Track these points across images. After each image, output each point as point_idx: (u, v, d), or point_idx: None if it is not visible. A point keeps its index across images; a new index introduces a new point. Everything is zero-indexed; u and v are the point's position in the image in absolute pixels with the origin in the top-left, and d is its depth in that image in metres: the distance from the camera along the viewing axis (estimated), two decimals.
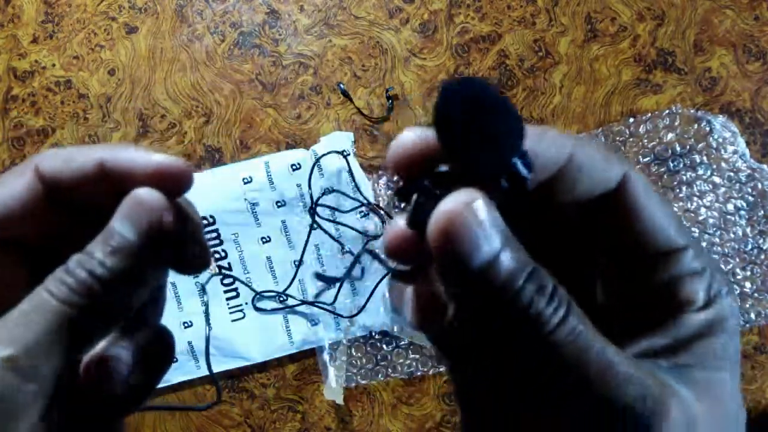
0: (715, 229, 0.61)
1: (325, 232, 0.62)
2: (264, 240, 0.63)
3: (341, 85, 0.64)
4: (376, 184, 0.63)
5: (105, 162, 0.20)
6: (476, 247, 0.16)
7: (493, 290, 0.16)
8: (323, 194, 0.63)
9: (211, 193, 0.64)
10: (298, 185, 0.63)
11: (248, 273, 0.63)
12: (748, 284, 0.60)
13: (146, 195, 0.19)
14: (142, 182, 0.20)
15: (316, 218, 0.62)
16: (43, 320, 0.18)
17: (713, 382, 0.19)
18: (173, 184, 0.20)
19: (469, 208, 0.16)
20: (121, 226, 0.19)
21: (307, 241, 0.62)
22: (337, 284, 0.61)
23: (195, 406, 0.62)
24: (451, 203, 0.16)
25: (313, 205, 0.62)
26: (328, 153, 0.62)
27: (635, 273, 0.20)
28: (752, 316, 0.60)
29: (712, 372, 0.19)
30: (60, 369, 0.18)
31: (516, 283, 0.16)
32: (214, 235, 0.64)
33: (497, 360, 0.18)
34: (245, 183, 0.63)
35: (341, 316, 0.61)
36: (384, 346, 0.62)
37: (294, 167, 0.63)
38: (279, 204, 0.63)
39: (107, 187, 0.20)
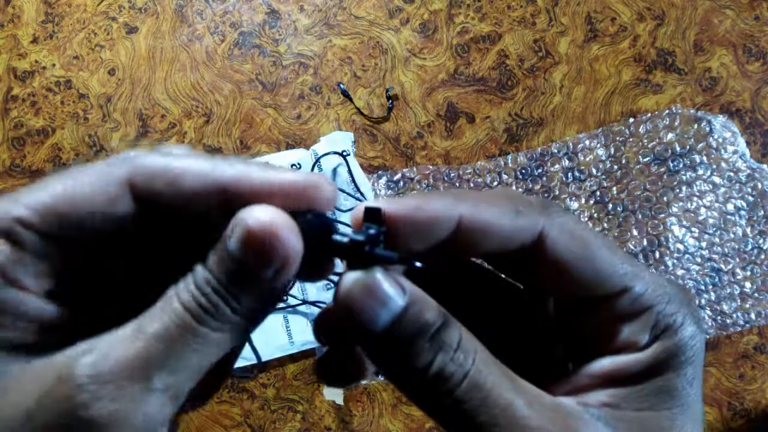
0: (715, 229, 0.61)
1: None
2: None
3: (341, 85, 0.64)
4: (375, 184, 0.63)
5: (229, 189, 0.18)
6: (372, 316, 0.18)
7: (396, 352, 0.18)
8: None
9: None
10: None
11: None
12: (748, 284, 0.60)
13: (266, 221, 0.17)
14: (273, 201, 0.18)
15: None
16: (180, 336, 0.17)
17: (647, 423, 0.19)
18: (311, 202, 0.19)
19: (359, 284, 0.18)
20: (240, 252, 0.17)
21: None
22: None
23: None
24: (346, 281, 0.18)
25: None
26: (328, 153, 0.62)
27: (573, 316, 0.21)
28: (752, 316, 0.60)
29: (649, 412, 0.19)
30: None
31: (417, 345, 0.18)
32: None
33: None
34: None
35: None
36: None
37: (294, 167, 0.63)
38: None
39: (220, 208, 0.18)
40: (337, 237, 0.19)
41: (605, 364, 0.20)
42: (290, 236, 0.17)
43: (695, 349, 0.20)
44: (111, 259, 0.20)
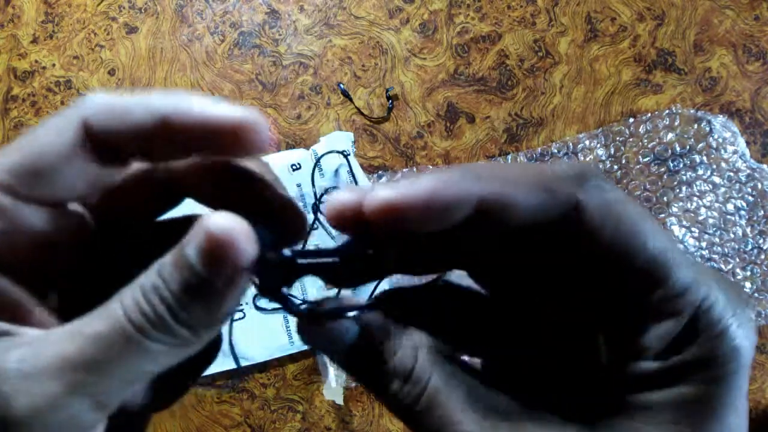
0: (715, 229, 0.61)
1: (327, 231, 0.62)
2: None
3: (341, 85, 0.64)
4: (375, 184, 0.63)
5: (168, 118, 0.17)
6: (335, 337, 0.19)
7: (360, 373, 0.19)
8: (324, 193, 0.63)
9: None
10: (299, 185, 0.63)
11: None
12: (748, 284, 0.60)
13: (227, 230, 0.16)
14: (209, 141, 0.18)
15: (319, 217, 0.62)
16: (117, 350, 0.16)
17: None
18: (246, 144, 0.18)
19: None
20: (197, 261, 0.16)
21: (305, 241, 0.62)
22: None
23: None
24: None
25: (317, 203, 0.62)
26: (329, 153, 0.62)
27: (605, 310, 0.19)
28: (752, 316, 0.60)
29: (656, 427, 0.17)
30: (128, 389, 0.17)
31: (373, 372, 0.19)
32: None
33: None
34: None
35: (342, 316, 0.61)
36: None
37: (294, 167, 0.63)
38: None
39: (167, 141, 0.18)
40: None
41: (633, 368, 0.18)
42: (249, 245, 0.16)
43: (745, 360, 0.17)
44: (81, 235, 0.20)
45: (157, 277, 0.17)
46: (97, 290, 0.19)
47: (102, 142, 0.18)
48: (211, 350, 0.22)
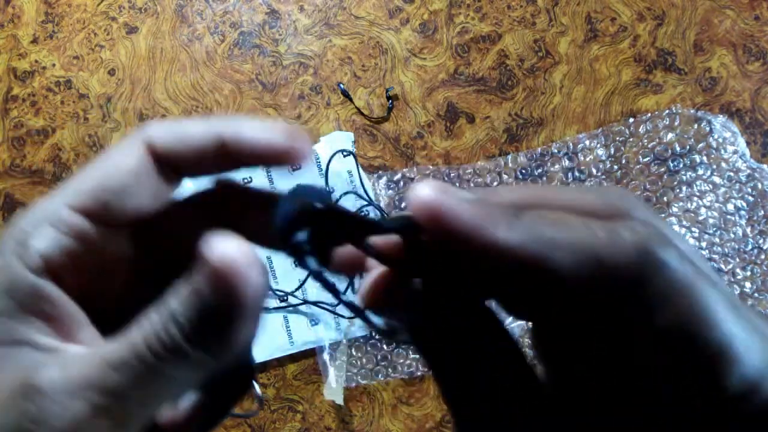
0: (715, 229, 0.61)
1: (280, 247, 0.62)
2: None
3: (341, 85, 0.64)
4: (375, 184, 0.63)
5: (225, 140, 0.19)
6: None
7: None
8: (342, 195, 0.62)
9: None
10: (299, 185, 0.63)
11: None
12: (748, 284, 0.60)
13: (233, 257, 0.16)
14: (263, 160, 0.19)
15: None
16: (136, 370, 0.17)
17: None
18: (293, 160, 0.19)
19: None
20: (208, 289, 0.16)
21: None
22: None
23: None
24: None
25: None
26: (337, 152, 0.62)
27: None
28: None
29: None
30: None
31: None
32: None
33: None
34: (245, 182, 0.63)
35: (342, 316, 0.61)
36: (384, 346, 0.62)
37: (294, 167, 0.63)
38: None
39: (224, 162, 0.20)
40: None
41: None
42: (255, 273, 0.16)
43: None
44: (142, 252, 0.21)
45: (173, 304, 0.17)
46: (139, 309, 0.19)
47: (165, 161, 0.19)
48: (244, 378, 0.22)
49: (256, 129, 0.19)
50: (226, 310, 0.16)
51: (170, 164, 0.20)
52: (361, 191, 0.63)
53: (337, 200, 0.62)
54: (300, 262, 0.18)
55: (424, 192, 0.16)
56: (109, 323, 0.20)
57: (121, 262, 0.20)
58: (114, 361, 0.17)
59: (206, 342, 0.17)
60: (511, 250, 0.15)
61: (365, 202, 0.62)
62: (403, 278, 0.19)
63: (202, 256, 0.16)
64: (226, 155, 0.19)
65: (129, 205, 0.19)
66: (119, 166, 0.19)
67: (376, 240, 0.19)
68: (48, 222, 0.18)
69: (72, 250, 0.18)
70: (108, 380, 0.16)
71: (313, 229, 0.18)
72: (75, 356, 0.18)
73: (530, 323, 0.20)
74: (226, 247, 0.16)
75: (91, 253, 0.19)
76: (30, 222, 0.18)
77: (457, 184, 0.63)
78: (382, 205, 0.63)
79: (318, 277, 0.18)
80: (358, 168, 0.63)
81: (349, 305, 0.19)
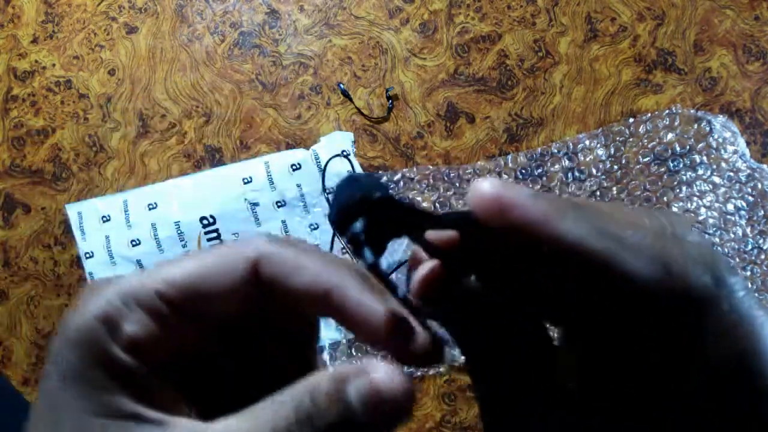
0: (715, 229, 0.61)
1: (339, 237, 0.62)
2: None
3: (341, 85, 0.64)
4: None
5: (331, 295, 0.19)
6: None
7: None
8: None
9: (211, 193, 0.64)
10: (299, 185, 0.63)
11: None
12: (748, 284, 0.60)
13: (390, 385, 0.17)
14: (361, 332, 0.19)
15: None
16: None
17: None
18: (392, 340, 0.19)
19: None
20: (358, 405, 0.17)
21: (332, 243, 0.63)
22: None
23: None
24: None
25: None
26: (333, 157, 0.62)
27: None
28: None
29: None
30: None
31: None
32: (214, 235, 0.64)
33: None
34: (245, 183, 0.63)
35: None
36: None
37: (294, 167, 0.63)
38: (279, 204, 0.63)
39: (314, 302, 0.19)
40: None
41: None
42: (409, 401, 0.17)
43: None
44: (229, 342, 0.21)
45: (311, 405, 0.17)
46: (226, 381, 0.20)
47: (265, 288, 0.19)
48: None
49: (364, 300, 0.18)
50: (371, 427, 0.17)
51: (268, 290, 0.19)
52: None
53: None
54: (356, 253, 0.18)
55: (488, 186, 0.16)
56: (203, 400, 0.20)
57: (202, 342, 0.20)
58: None
59: None
60: (577, 244, 0.16)
61: None
62: (455, 274, 0.19)
63: (359, 370, 0.17)
64: (327, 307, 0.19)
65: (216, 310, 0.19)
66: (220, 276, 0.19)
67: (431, 234, 0.19)
68: (139, 304, 0.18)
69: (156, 334, 0.18)
70: None
71: (369, 219, 0.18)
72: (197, 429, 0.18)
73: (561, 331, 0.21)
74: (388, 372, 0.17)
75: (173, 336, 0.19)
76: (119, 297, 0.18)
77: (457, 184, 0.63)
78: None
79: (373, 269, 0.18)
80: (353, 169, 0.63)
81: (404, 300, 0.19)
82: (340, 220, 0.18)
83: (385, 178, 0.63)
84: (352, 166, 0.62)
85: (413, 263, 0.20)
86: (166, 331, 0.19)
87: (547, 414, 0.18)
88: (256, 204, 0.63)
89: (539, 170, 0.62)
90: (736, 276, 0.16)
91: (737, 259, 0.60)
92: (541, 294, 0.19)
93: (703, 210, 0.61)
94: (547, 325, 0.20)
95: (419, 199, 0.63)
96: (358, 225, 0.18)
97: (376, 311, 0.18)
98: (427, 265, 0.19)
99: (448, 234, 0.19)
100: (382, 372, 0.17)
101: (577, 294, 0.18)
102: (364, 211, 0.18)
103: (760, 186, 0.60)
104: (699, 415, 0.16)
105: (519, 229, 0.16)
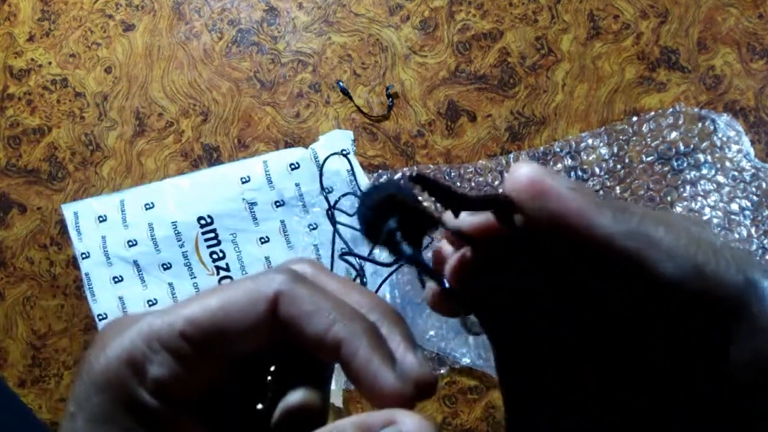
0: (719, 229, 0.60)
1: (339, 235, 0.62)
2: (262, 240, 0.63)
3: (341, 83, 0.64)
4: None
5: (342, 350, 0.18)
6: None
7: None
8: (338, 201, 0.61)
9: (208, 192, 0.63)
10: (297, 185, 0.62)
11: (246, 273, 0.63)
12: None
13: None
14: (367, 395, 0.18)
15: (331, 219, 0.62)
16: None
17: None
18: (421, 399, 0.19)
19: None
20: None
21: (333, 243, 0.62)
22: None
23: None
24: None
25: (330, 210, 0.61)
26: (331, 155, 0.62)
27: None
28: None
29: None
30: None
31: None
32: (212, 235, 0.63)
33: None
34: (243, 182, 0.63)
35: None
36: None
37: (293, 166, 0.62)
38: (278, 204, 0.62)
39: (321, 350, 0.19)
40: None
41: None
42: None
43: None
44: (246, 380, 0.21)
45: None
46: (230, 401, 0.20)
47: (283, 326, 0.19)
48: None
49: (378, 371, 0.18)
50: None
51: (286, 329, 0.19)
52: (357, 191, 0.62)
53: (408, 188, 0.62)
54: (394, 251, 0.18)
55: (528, 170, 0.16)
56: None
57: (219, 381, 0.20)
58: None
59: None
60: (610, 240, 0.16)
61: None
62: (488, 259, 0.19)
63: (387, 418, 0.17)
64: (335, 359, 0.19)
65: (236, 347, 0.19)
66: (242, 314, 0.19)
67: (466, 219, 0.18)
68: (163, 345, 0.18)
69: (180, 374, 0.18)
70: None
71: (402, 215, 0.18)
72: None
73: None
74: (417, 425, 0.16)
75: (194, 375, 0.19)
76: (143, 339, 0.18)
77: (458, 184, 0.62)
78: None
79: (415, 261, 0.17)
80: (352, 170, 0.62)
81: (448, 291, 0.19)
82: (371, 221, 0.17)
83: (385, 178, 0.63)
84: (351, 165, 0.62)
85: (437, 260, 0.20)
86: (189, 370, 0.18)
87: (563, 418, 0.18)
88: (254, 203, 0.62)
89: None
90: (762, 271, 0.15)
91: None
92: (570, 287, 0.19)
93: (707, 210, 0.60)
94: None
95: (419, 198, 0.62)
96: (392, 222, 0.17)
97: (383, 380, 0.18)
98: (457, 254, 0.19)
99: (483, 218, 0.18)
100: (410, 424, 0.16)
101: (605, 291, 0.17)
102: (395, 208, 0.17)
103: (764, 185, 0.60)
104: (713, 422, 0.16)
105: (554, 218, 0.16)
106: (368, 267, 0.61)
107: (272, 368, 0.21)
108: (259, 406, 0.21)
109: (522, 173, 0.16)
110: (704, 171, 0.60)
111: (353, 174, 0.62)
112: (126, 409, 0.17)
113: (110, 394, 0.17)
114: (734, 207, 0.60)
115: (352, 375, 0.18)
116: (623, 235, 0.16)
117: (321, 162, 0.62)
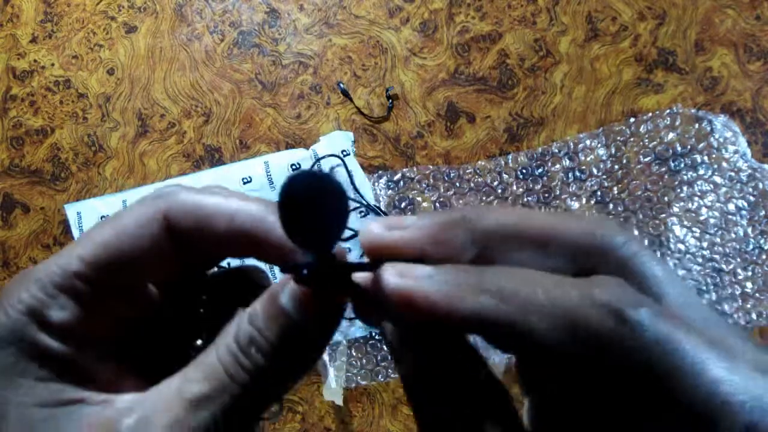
0: (716, 229, 0.60)
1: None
2: None
3: (341, 85, 0.64)
4: (375, 184, 0.63)
5: (250, 234, 0.19)
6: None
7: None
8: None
9: None
10: None
11: None
12: (749, 284, 0.60)
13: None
14: (273, 255, 0.19)
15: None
16: (222, 402, 0.17)
17: None
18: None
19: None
20: (293, 308, 0.17)
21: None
22: None
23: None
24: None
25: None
26: (325, 157, 0.62)
27: None
28: (753, 316, 0.60)
29: None
30: None
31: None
32: None
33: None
34: (245, 183, 0.63)
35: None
36: (384, 347, 0.62)
37: (294, 167, 0.63)
38: None
39: (237, 244, 0.19)
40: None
41: None
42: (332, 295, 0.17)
43: None
44: (156, 303, 0.21)
45: (250, 328, 0.17)
46: (165, 343, 0.20)
47: (182, 240, 0.19)
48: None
49: (273, 223, 0.19)
50: (313, 326, 0.17)
51: (188, 242, 0.19)
52: (358, 193, 0.62)
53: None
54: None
55: (392, 278, 0.16)
56: (141, 363, 0.20)
57: (134, 309, 0.20)
58: (198, 396, 0.17)
59: (290, 360, 0.17)
60: (483, 317, 0.15)
61: (361, 204, 0.62)
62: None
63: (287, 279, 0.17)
64: (239, 238, 0.19)
65: (137, 274, 0.19)
66: (134, 240, 0.19)
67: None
68: (61, 289, 0.18)
69: (84, 314, 0.18)
70: (199, 417, 0.17)
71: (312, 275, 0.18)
72: (142, 400, 0.18)
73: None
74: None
75: (102, 311, 0.19)
76: (40, 287, 0.18)
77: (458, 184, 0.62)
78: (381, 205, 0.62)
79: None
80: (347, 168, 0.63)
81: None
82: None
83: (385, 178, 0.63)
84: (347, 168, 0.62)
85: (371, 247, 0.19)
86: (93, 309, 0.19)
87: None
88: None
89: (540, 170, 0.62)
90: (644, 306, 0.15)
91: (738, 259, 0.60)
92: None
93: (704, 210, 0.61)
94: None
95: (419, 199, 0.62)
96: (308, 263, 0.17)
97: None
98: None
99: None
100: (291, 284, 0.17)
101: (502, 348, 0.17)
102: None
103: (761, 186, 0.60)
104: None
105: (426, 315, 0.16)
106: None
107: (203, 300, 0.22)
108: (199, 342, 0.21)
109: (387, 280, 0.16)
110: (701, 172, 0.61)
111: (355, 174, 0.62)
112: (33, 358, 0.18)
113: (14, 346, 0.18)
114: (731, 207, 0.61)
115: (271, 246, 0.18)
116: (492, 310, 0.15)
117: (319, 162, 0.62)
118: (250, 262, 0.21)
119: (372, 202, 0.62)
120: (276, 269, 0.63)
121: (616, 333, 0.14)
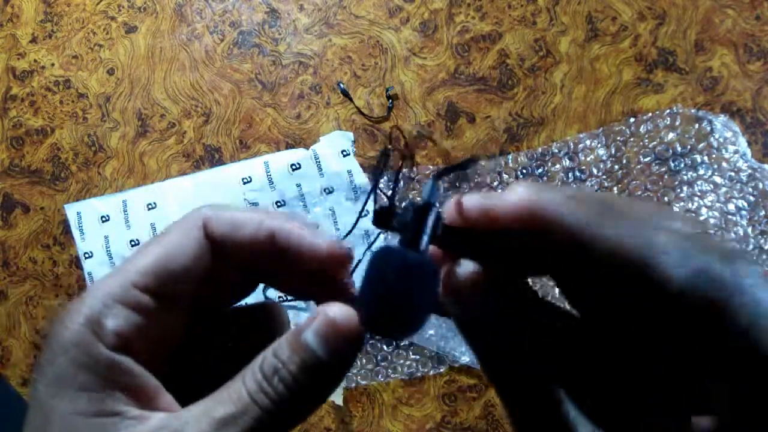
0: (716, 229, 0.60)
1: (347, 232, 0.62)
2: None
3: (341, 85, 0.64)
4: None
5: (276, 236, 0.21)
6: None
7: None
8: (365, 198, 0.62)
9: (210, 193, 0.64)
10: (298, 185, 0.63)
11: None
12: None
13: (342, 318, 0.19)
14: (308, 263, 0.21)
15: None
16: (246, 423, 0.18)
17: None
18: (337, 267, 0.22)
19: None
20: (316, 344, 0.19)
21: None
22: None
23: None
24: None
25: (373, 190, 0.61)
26: (323, 157, 0.62)
27: None
28: None
29: None
30: None
31: None
32: None
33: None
34: (244, 183, 0.63)
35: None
36: (384, 347, 0.62)
37: (294, 167, 0.63)
38: (279, 204, 0.63)
39: (272, 255, 0.21)
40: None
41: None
42: (360, 334, 0.19)
43: None
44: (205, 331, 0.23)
45: (275, 360, 0.19)
46: (201, 369, 0.22)
47: (219, 247, 0.21)
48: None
49: (304, 233, 0.21)
50: (332, 361, 0.19)
51: (224, 250, 0.21)
52: (354, 192, 0.62)
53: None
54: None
55: (521, 191, 0.17)
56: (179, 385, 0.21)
57: (178, 329, 0.22)
58: (224, 418, 0.18)
59: (308, 391, 0.19)
60: (616, 250, 0.16)
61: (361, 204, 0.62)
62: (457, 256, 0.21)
63: (315, 316, 0.19)
64: (274, 248, 0.21)
65: (188, 283, 0.21)
66: (183, 249, 0.21)
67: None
68: (118, 301, 0.19)
69: (140, 325, 0.20)
70: None
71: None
72: (172, 419, 0.19)
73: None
74: (338, 309, 0.19)
75: (155, 325, 0.20)
76: (99, 300, 0.19)
77: (458, 184, 0.62)
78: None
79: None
80: (349, 175, 0.63)
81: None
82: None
83: (385, 178, 0.63)
84: (349, 172, 0.62)
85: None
86: (146, 318, 0.20)
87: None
88: (255, 204, 0.63)
89: (540, 170, 0.62)
90: (755, 266, 0.15)
91: None
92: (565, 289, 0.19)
93: (704, 210, 0.61)
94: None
95: (419, 199, 0.62)
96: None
97: (320, 242, 0.21)
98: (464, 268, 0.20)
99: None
100: (334, 308, 0.19)
101: (602, 295, 0.17)
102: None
103: (761, 186, 0.60)
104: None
105: (554, 235, 0.16)
106: None
107: (229, 330, 0.23)
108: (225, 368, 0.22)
109: (516, 194, 0.17)
110: (701, 172, 0.61)
111: (355, 174, 0.62)
112: (87, 368, 0.18)
113: (69, 355, 0.18)
114: (731, 207, 0.61)
115: (292, 250, 0.21)
116: (626, 244, 0.15)
117: (323, 163, 0.62)
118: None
119: (372, 202, 0.62)
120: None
121: (732, 286, 0.15)
